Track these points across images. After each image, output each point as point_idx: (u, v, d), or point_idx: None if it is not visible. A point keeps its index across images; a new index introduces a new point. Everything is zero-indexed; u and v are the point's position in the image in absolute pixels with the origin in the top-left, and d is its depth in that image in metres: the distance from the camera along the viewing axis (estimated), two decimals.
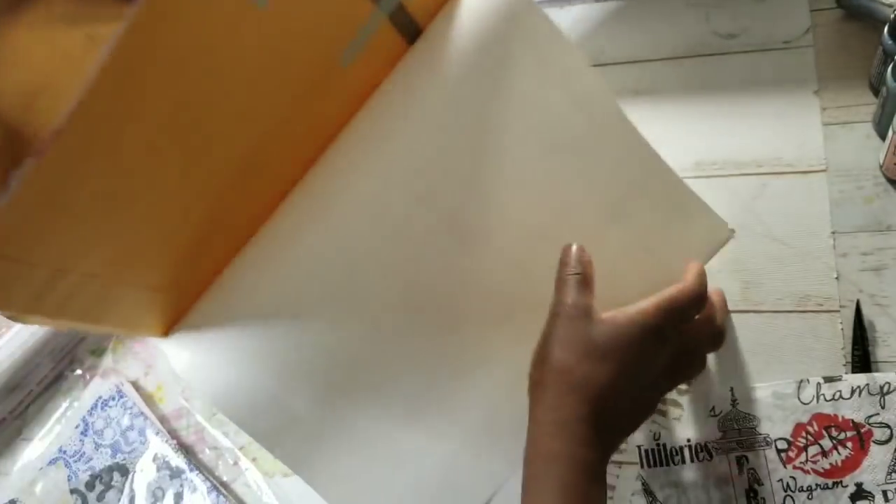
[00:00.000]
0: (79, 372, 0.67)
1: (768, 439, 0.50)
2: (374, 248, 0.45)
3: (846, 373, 0.51)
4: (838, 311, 0.53)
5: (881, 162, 0.56)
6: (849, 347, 0.52)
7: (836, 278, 0.54)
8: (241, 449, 0.61)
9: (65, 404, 0.67)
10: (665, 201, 0.48)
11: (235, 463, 0.60)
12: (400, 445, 0.48)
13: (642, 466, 0.52)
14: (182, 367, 0.45)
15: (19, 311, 0.37)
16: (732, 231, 0.51)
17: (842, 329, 0.52)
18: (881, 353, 0.51)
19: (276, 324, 0.45)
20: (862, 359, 0.51)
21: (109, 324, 0.44)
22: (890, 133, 0.53)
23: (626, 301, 0.43)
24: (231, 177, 0.42)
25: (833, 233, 0.56)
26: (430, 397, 0.48)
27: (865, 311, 0.52)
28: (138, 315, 0.45)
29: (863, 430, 0.48)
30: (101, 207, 0.37)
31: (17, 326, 0.66)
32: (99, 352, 0.67)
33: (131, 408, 0.63)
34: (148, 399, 0.64)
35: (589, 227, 0.47)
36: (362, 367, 0.47)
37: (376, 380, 0.47)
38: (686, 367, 0.46)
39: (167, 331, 0.47)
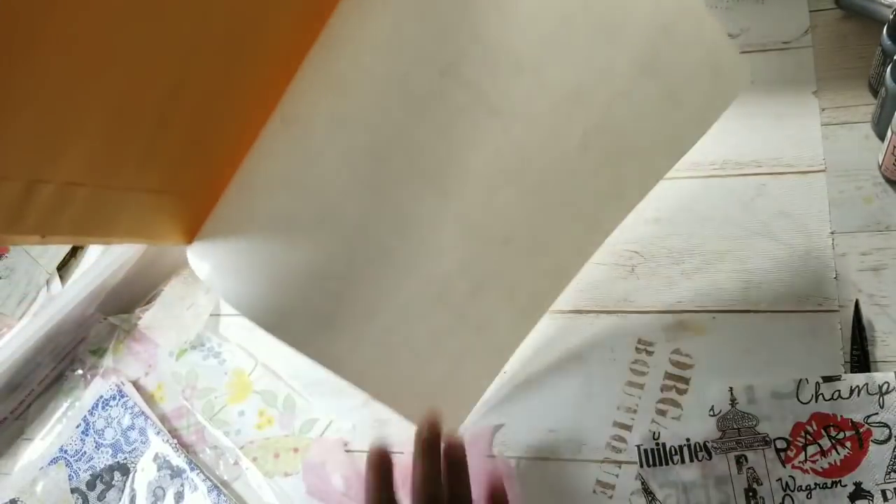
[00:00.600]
0: (79, 372, 0.68)
1: (767, 439, 0.50)
2: (399, 130, 0.41)
3: (845, 372, 0.51)
4: (837, 310, 0.53)
5: (880, 162, 0.56)
6: (848, 347, 0.52)
7: (835, 278, 0.54)
8: (241, 448, 0.61)
9: (66, 404, 0.67)
10: (695, 47, 0.45)
11: (236, 462, 0.61)
12: (427, 327, 0.46)
13: (641, 466, 0.52)
14: (205, 275, 0.42)
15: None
16: (751, 81, 0.49)
17: (841, 329, 0.53)
18: (880, 352, 0.51)
19: (298, 220, 0.42)
20: (861, 358, 0.51)
21: (119, 234, 0.40)
22: (889, 133, 0.53)
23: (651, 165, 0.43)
24: (219, 58, 0.37)
25: (832, 233, 0.56)
26: (461, 279, 0.46)
27: (864, 310, 0.52)
28: (150, 223, 0.41)
29: (862, 430, 0.48)
30: (54, 100, 0.32)
31: (18, 326, 0.66)
32: (100, 352, 0.68)
33: (132, 407, 0.63)
34: (148, 399, 0.65)
35: (622, 84, 0.45)
36: (390, 256, 0.44)
37: (405, 267, 0.44)
38: None
39: (192, 237, 0.43)
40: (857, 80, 0.60)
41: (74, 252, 0.68)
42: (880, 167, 0.56)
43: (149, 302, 0.68)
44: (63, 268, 0.68)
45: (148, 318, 0.67)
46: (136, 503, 0.60)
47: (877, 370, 0.50)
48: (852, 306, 0.53)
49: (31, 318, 0.64)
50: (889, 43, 0.55)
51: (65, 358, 0.68)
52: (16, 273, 0.68)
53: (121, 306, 0.68)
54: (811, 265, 0.55)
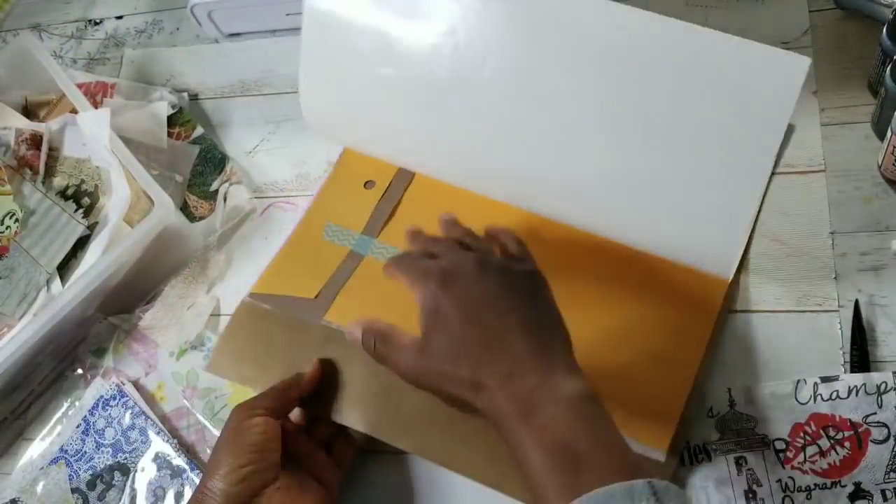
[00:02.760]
0: (80, 372, 0.68)
1: (766, 440, 0.50)
2: None
3: (845, 372, 0.51)
4: (837, 310, 0.53)
5: (880, 162, 0.56)
6: (847, 347, 0.52)
7: (835, 278, 0.54)
8: None
9: (66, 404, 0.67)
10: None
11: None
12: None
13: None
14: None
15: None
16: None
17: (840, 329, 0.53)
18: (880, 352, 0.51)
19: None
20: (860, 358, 0.51)
21: None
22: (889, 133, 0.53)
23: None
24: None
25: (832, 233, 0.56)
26: None
27: (864, 310, 0.53)
28: None
29: (860, 430, 0.48)
30: None
31: (19, 326, 0.66)
32: (100, 352, 0.68)
33: (132, 407, 0.64)
34: (149, 399, 0.65)
35: None
36: None
37: None
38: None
39: None
40: (857, 80, 0.60)
41: (74, 252, 0.68)
42: (880, 167, 0.56)
43: (149, 302, 0.68)
44: (63, 268, 0.67)
45: (148, 318, 0.67)
46: (136, 503, 0.60)
47: (877, 370, 0.50)
48: (852, 306, 0.53)
49: (31, 318, 0.63)
50: (889, 43, 0.55)
51: (65, 358, 0.68)
52: (16, 273, 0.68)
53: (121, 306, 0.68)
54: (811, 265, 0.55)
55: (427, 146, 0.63)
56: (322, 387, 0.56)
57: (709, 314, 0.54)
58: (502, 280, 0.45)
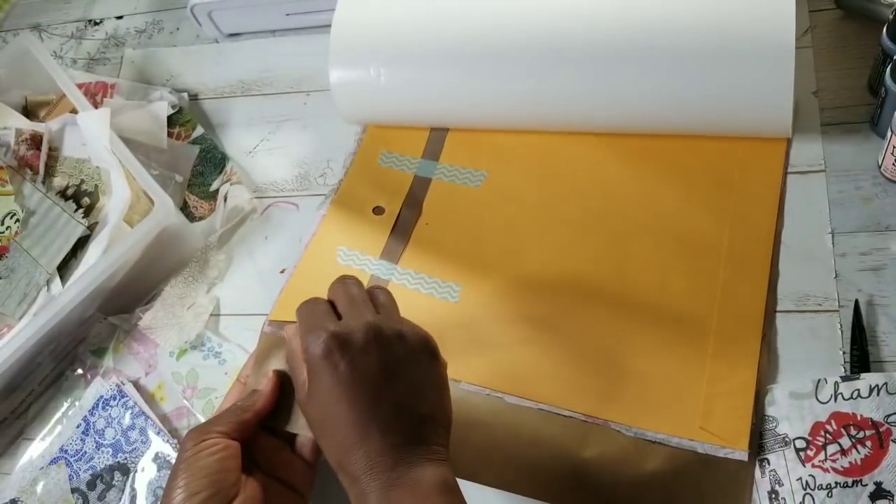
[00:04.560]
0: (80, 372, 0.68)
1: (787, 439, 0.49)
2: None
3: (844, 373, 0.51)
4: (837, 310, 0.53)
5: (880, 162, 0.56)
6: (848, 347, 0.52)
7: (835, 278, 0.54)
8: None
9: (66, 404, 0.67)
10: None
11: None
12: None
13: None
14: None
15: None
16: None
17: (841, 329, 0.53)
18: (880, 352, 0.51)
19: None
20: (861, 358, 0.51)
21: None
22: (889, 133, 0.53)
23: None
24: None
25: (832, 233, 0.56)
26: None
27: (864, 310, 0.53)
28: None
29: (882, 429, 0.48)
30: None
31: (19, 326, 0.66)
32: (100, 352, 0.68)
33: (132, 407, 0.63)
34: (149, 399, 0.65)
35: None
36: None
37: None
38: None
39: None
40: (857, 80, 0.60)
41: (74, 252, 0.68)
42: (880, 167, 0.56)
43: (149, 302, 0.68)
44: (63, 268, 0.67)
45: (148, 318, 0.67)
46: (136, 503, 0.60)
47: (877, 370, 0.50)
48: (852, 306, 0.53)
49: (31, 318, 0.63)
50: (889, 43, 0.55)
51: (65, 358, 0.68)
52: (16, 273, 0.68)
53: (121, 306, 0.68)
54: (811, 265, 0.55)
55: (467, 87, 0.64)
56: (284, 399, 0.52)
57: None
58: (391, 354, 0.43)
